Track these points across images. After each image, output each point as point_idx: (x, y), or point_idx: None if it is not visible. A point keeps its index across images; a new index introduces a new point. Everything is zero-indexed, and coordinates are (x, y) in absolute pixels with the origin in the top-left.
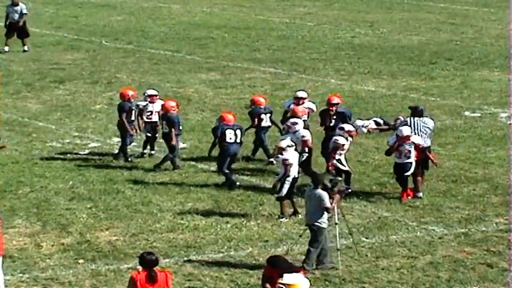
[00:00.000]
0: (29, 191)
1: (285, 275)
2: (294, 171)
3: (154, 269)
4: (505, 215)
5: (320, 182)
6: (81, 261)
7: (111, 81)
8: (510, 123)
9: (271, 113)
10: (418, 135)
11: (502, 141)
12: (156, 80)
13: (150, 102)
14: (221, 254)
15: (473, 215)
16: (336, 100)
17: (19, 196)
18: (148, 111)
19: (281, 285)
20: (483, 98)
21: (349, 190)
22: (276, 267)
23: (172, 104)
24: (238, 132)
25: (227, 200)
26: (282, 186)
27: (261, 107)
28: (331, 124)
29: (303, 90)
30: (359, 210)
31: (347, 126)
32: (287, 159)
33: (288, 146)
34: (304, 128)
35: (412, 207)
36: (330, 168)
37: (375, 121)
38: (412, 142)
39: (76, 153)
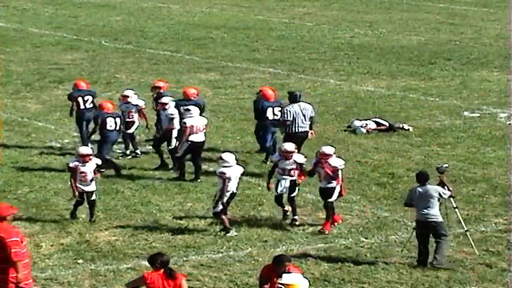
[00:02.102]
0: (28, 191)
1: (284, 275)
2: (232, 186)
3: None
4: (504, 215)
5: (427, 178)
6: (80, 261)
7: (110, 82)
8: (509, 123)
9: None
10: (299, 120)
11: (501, 141)
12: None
13: (123, 102)
14: (220, 254)
15: (473, 215)
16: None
17: (18, 196)
18: (121, 111)
19: (280, 285)
20: (482, 98)
21: (286, 210)
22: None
23: (194, 91)
24: (117, 120)
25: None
26: (217, 201)
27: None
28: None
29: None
30: (358, 211)
31: (285, 146)
32: (224, 173)
33: (221, 158)
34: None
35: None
36: (270, 187)
37: (375, 121)
38: (329, 164)
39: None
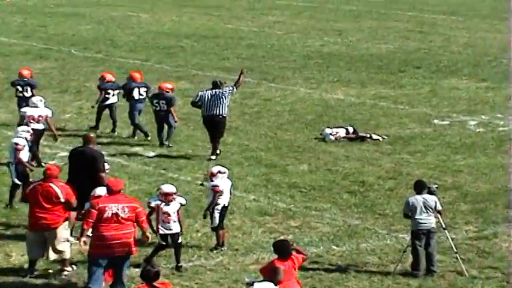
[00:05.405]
0: None
1: (256, 284)
2: (224, 199)
3: (155, 283)
4: (475, 222)
5: (425, 186)
6: (74, 267)
7: (80, 90)
8: (478, 131)
9: None
10: (207, 103)
11: (471, 149)
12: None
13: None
14: (191, 264)
15: (443, 223)
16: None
17: None
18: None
19: None
20: (452, 106)
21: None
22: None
23: (169, 85)
24: None
25: (197, 209)
26: (212, 216)
27: None
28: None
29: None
30: (329, 218)
31: (163, 187)
32: (217, 186)
33: (220, 172)
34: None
35: (382, 215)
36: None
37: (346, 129)
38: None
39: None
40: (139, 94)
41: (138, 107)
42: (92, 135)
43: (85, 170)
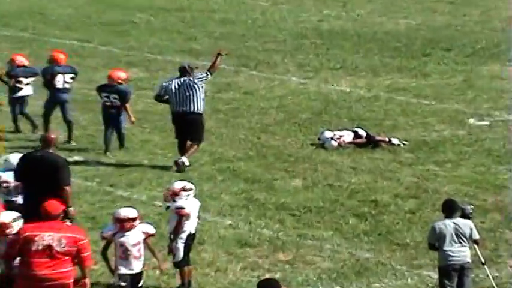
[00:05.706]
0: None
1: None
2: (190, 225)
3: None
4: None
5: (457, 207)
6: None
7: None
8: None
9: None
10: (173, 97)
11: None
12: None
13: None
14: None
15: (482, 256)
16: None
17: None
18: None
19: None
20: (493, 100)
21: None
22: None
23: (122, 74)
24: None
25: (156, 239)
26: (176, 248)
27: None
28: None
29: None
30: (330, 250)
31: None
32: (182, 208)
33: (184, 189)
34: None
35: (401, 245)
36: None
37: (354, 132)
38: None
39: None
40: (64, 82)
41: (60, 98)
42: (52, 135)
43: (44, 181)
